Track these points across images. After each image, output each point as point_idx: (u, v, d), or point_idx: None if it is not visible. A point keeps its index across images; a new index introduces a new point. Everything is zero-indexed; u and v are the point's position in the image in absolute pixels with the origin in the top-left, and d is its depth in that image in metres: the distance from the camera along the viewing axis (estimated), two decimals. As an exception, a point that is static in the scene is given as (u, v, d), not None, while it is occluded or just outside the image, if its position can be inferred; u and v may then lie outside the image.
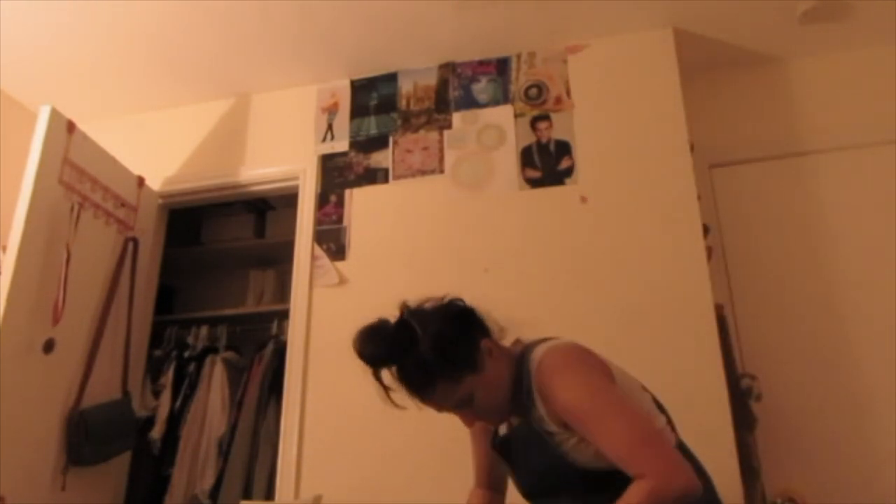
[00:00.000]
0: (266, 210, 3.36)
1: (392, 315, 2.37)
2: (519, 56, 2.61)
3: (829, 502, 2.14)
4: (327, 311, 2.44)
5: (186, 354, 2.90)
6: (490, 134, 2.53)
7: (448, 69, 2.67)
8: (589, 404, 1.19)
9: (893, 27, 2.49)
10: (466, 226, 2.42)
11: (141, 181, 2.63)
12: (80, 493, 2.18)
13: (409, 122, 2.63)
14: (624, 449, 1.14)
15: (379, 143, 2.63)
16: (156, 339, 2.86)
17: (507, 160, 2.46)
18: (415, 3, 2.34)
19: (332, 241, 2.53)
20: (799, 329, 2.35)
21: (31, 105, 2.82)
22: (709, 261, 2.22)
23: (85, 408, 2.19)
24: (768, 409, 2.22)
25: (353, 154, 2.65)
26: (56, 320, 2.10)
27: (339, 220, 2.56)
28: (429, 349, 1.24)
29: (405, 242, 2.45)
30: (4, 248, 2.07)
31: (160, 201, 2.80)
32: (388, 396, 1.29)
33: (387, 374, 1.30)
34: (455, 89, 2.63)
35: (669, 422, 1.37)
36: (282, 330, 2.76)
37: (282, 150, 2.74)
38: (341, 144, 2.68)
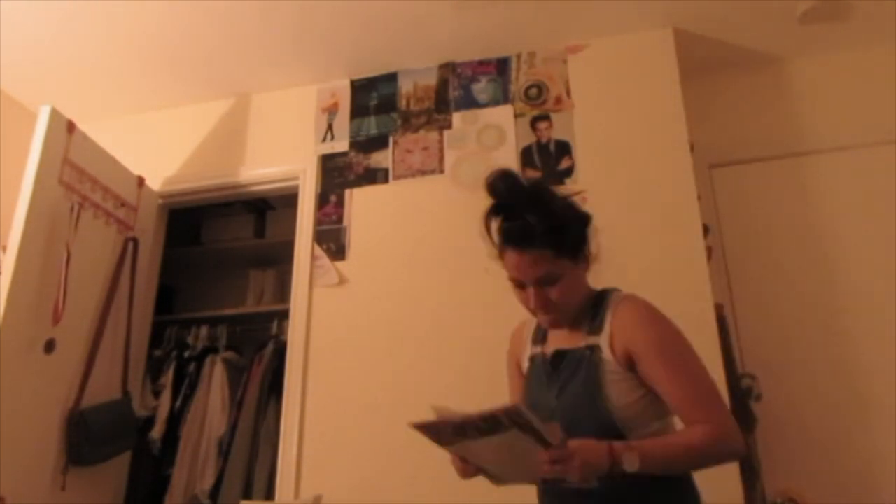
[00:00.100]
0: (266, 210, 3.36)
1: (391, 316, 2.37)
2: (519, 56, 2.61)
3: (829, 502, 2.14)
4: (327, 311, 2.44)
5: (186, 354, 2.90)
6: (490, 134, 2.53)
7: (448, 69, 2.67)
8: (671, 344, 1.24)
9: (893, 27, 2.49)
10: (466, 226, 2.42)
11: (141, 181, 2.63)
12: (80, 493, 2.18)
13: (409, 122, 2.63)
14: (694, 393, 1.18)
15: (379, 143, 2.63)
16: (156, 339, 2.86)
17: (507, 160, 2.46)
18: (415, 3, 2.34)
19: (332, 241, 2.53)
20: (799, 329, 2.35)
21: (31, 105, 2.82)
22: (709, 261, 2.22)
23: (85, 408, 2.19)
24: (768, 409, 2.22)
25: (353, 154, 2.65)
26: (56, 320, 2.10)
27: (339, 220, 2.56)
28: (556, 211, 1.28)
29: (405, 242, 2.45)
30: (4, 248, 2.07)
31: (160, 201, 2.80)
32: (491, 239, 1.33)
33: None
34: (455, 89, 2.63)
35: None
36: (282, 330, 2.76)
37: (282, 150, 2.74)
38: (341, 144, 2.68)
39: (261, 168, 2.73)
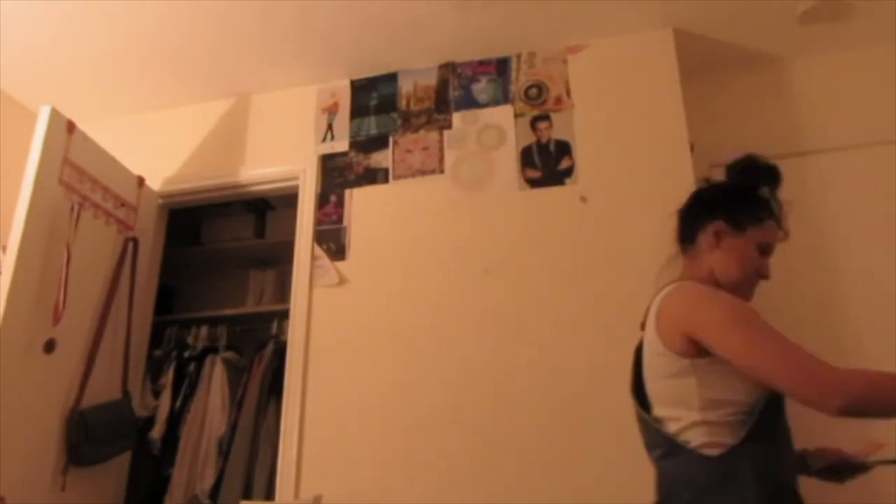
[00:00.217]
0: (266, 210, 3.36)
1: (391, 316, 2.37)
2: (519, 56, 2.61)
3: (829, 502, 2.13)
4: (327, 311, 2.44)
5: (186, 354, 2.90)
6: (490, 134, 2.53)
7: (448, 69, 2.67)
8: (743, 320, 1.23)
9: (893, 27, 2.49)
10: (466, 226, 2.42)
11: (141, 181, 2.63)
12: (80, 493, 2.18)
13: (409, 122, 2.63)
14: (787, 375, 1.18)
15: (379, 143, 2.63)
16: (156, 339, 2.86)
17: (507, 160, 2.46)
18: (415, 3, 2.34)
19: (332, 241, 2.53)
20: (799, 329, 2.33)
21: (31, 105, 2.82)
22: (709, 261, 2.21)
23: (85, 408, 2.19)
24: (768, 409, 2.21)
25: (353, 154, 2.65)
26: (56, 320, 2.10)
27: (339, 220, 2.56)
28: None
29: (405, 242, 2.45)
30: (4, 248, 2.07)
31: (160, 201, 2.80)
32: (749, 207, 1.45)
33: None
34: (455, 89, 2.63)
35: None
36: (282, 330, 2.76)
37: (282, 150, 2.74)
38: (341, 144, 2.68)
39: (261, 168, 2.73)
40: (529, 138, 2.48)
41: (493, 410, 2.17)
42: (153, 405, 2.73)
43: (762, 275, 1.42)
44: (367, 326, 2.37)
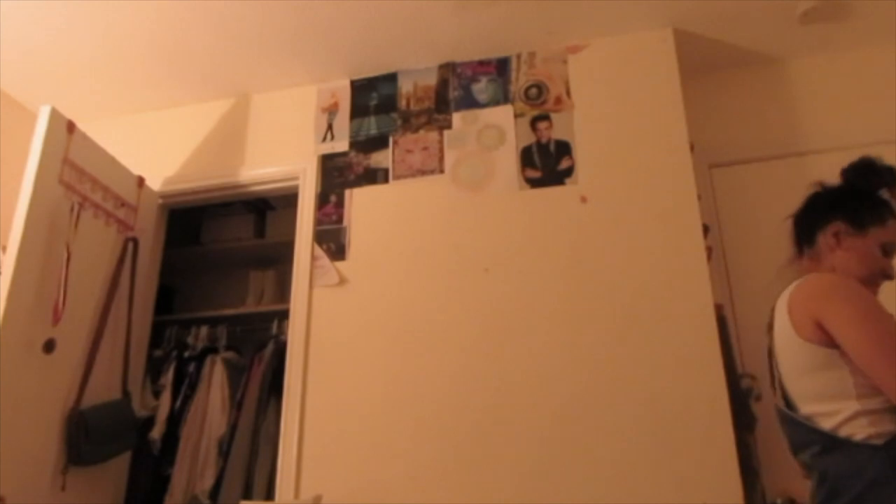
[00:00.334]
0: (266, 210, 3.36)
1: (391, 316, 2.38)
2: (519, 56, 2.61)
3: (829, 502, 2.13)
4: (327, 311, 2.44)
5: (186, 354, 2.90)
6: (490, 134, 2.53)
7: (448, 69, 2.67)
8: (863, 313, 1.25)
9: (893, 27, 2.49)
10: (466, 226, 2.42)
11: (141, 181, 2.63)
12: (80, 493, 2.18)
13: (409, 122, 2.63)
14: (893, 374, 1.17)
15: (379, 143, 2.63)
16: (156, 339, 2.86)
17: (507, 160, 2.46)
18: (415, 3, 2.34)
19: (332, 241, 2.53)
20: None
21: (31, 105, 2.82)
22: (709, 261, 2.22)
23: (85, 408, 2.19)
24: (768, 409, 2.21)
25: (353, 154, 2.65)
26: (56, 320, 2.10)
27: (339, 220, 2.56)
28: None
29: (405, 242, 2.45)
30: (4, 248, 2.07)
31: (160, 201, 2.80)
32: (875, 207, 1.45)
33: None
34: (455, 89, 2.63)
35: None
36: (282, 330, 2.76)
37: (282, 150, 2.74)
38: (341, 144, 2.68)
39: (261, 168, 2.73)
40: (529, 138, 2.48)
41: (493, 410, 2.17)
42: (153, 405, 2.73)
43: (888, 275, 1.42)
44: (367, 326, 2.37)
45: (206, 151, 2.83)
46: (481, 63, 2.65)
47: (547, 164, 2.43)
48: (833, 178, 2.50)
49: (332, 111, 2.74)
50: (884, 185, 1.46)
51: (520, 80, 2.58)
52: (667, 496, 1.95)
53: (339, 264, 2.49)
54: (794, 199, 2.52)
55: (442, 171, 2.52)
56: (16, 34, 2.45)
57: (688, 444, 1.99)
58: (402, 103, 2.67)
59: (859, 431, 1.24)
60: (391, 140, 2.62)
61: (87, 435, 2.15)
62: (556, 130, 2.46)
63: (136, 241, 2.52)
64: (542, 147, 2.46)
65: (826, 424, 1.29)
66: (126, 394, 2.41)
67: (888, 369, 1.18)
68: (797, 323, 1.32)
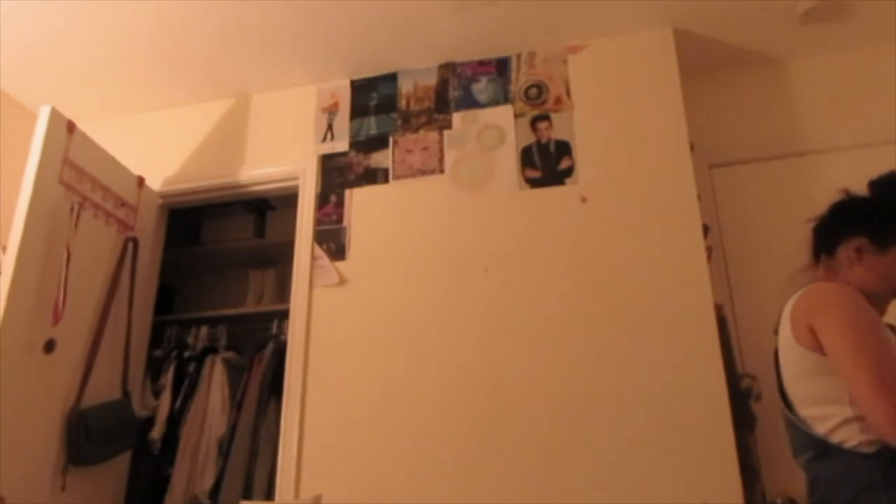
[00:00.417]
0: (266, 210, 3.36)
1: (391, 316, 2.38)
2: (519, 56, 2.61)
3: None
4: (327, 311, 2.44)
5: (186, 354, 2.90)
6: (490, 134, 2.53)
7: (448, 69, 2.67)
8: (848, 331, 1.23)
9: (893, 27, 2.49)
10: (466, 226, 2.42)
11: (141, 181, 2.63)
12: (80, 493, 2.18)
13: (409, 122, 2.63)
14: (863, 388, 1.17)
15: (379, 143, 2.63)
16: (156, 339, 2.86)
17: (507, 160, 2.46)
18: (415, 3, 2.34)
19: (332, 241, 2.53)
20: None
21: (31, 105, 2.82)
22: (709, 261, 2.22)
23: (85, 408, 2.19)
24: (768, 409, 2.21)
25: (353, 154, 2.65)
26: (56, 320, 2.10)
27: (339, 220, 2.56)
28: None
29: (405, 242, 2.45)
30: (4, 248, 2.07)
31: (160, 201, 2.80)
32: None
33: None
34: (455, 89, 2.63)
35: None
36: (282, 330, 2.76)
37: (282, 150, 2.74)
38: (341, 144, 2.68)
39: (261, 168, 2.73)
40: (529, 138, 2.48)
41: (493, 410, 2.17)
42: (153, 405, 2.73)
43: None
44: (367, 326, 2.37)
45: (205, 151, 2.83)
46: (481, 63, 2.65)
47: (547, 164, 2.43)
48: (833, 178, 2.51)
49: (332, 111, 2.74)
50: None
51: (520, 80, 2.58)
52: (667, 496, 1.95)
53: (339, 264, 2.49)
54: (794, 199, 2.53)
55: (442, 171, 2.52)
56: (16, 34, 2.45)
57: (688, 444, 1.99)
58: (402, 103, 2.67)
59: (851, 437, 1.25)
60: (391, 140, 2.62)
61: (87, 435, 2.15)
62: (556, 130, 2.46)
63: (136, 241, 2.53)
64: (542, 147, 2.46)
65: (820, 428, 1.30)
66: (126, 394, 2.42)
67: (862, 383, 1.18)
68: (796, 328, 1.33)
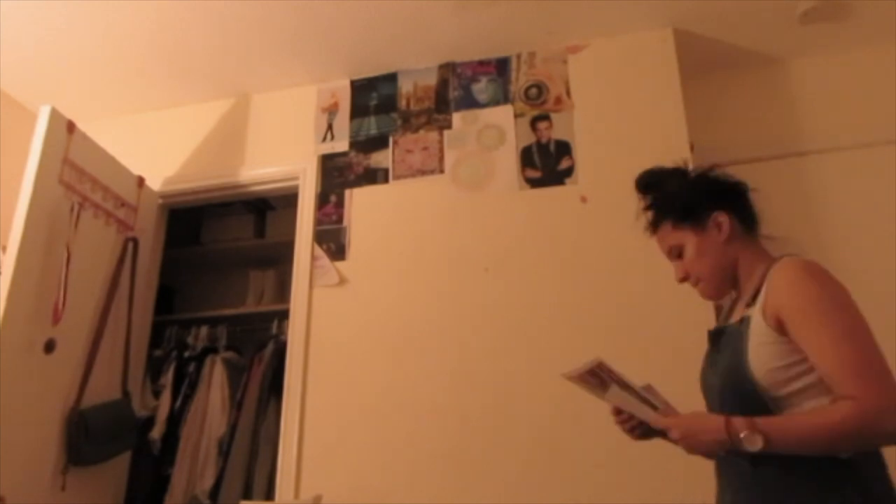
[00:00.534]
0: (266, 210, 3.36)
1: (391, 316, 2.36)
2: (519, 56, 2.61)
3: None
4: (327, 311, 2.44)
5: (186, 354, 2.90)
6: (490, 134, 2.53)
7: (448, 69, 2.67)
8: (821, 306, 1.14)
9: (893, 27, 2.49)
10: (466, 226, 2.42)
11: (141, 181, 2.63)
12: (80, 493, 2.18)
13: (409, 122, 2.63)
14: (841, 361, 1.07)
15: (379, 143, 2.63)
16: (156, 339, 2.86)
17: (507, 160, 2.46)
18: (415, 3, 2.34)
19: (332, 241, 2.53)
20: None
21: (31, 105, 2.82)
22: (709, 261, 2.22)
23: (85, 408, 2.19)
24: (768, 409, 2.22)
25: (353, 154, 2.65)
26: (56, 320, 2.10)
27: (339, 220, 2.56)
28: (671, 185, 1.38)
29: (405, 242, 2.45)
30: (4, 248, 2.07)
31: (160, 201, 2.80)
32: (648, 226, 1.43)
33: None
34: (455, 89, 2.63)
35: None
36: (282, 330, 2.76)
37: (282, 150, 2.74)
38: (341, 144, 2.68)
39: (261, 168, 2.73)
40: (529, 138, 2.48)
41: (493, 409, 2.17)
42: (153, 405, 2.73)
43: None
44: (367, 326, 2.37)
45: (206, 151, 2.83)
46: (481, 63, 2.65)
47: (547, 164, 2.43)
48: (833, 178, 2.51)
49: (332, 111, 2.74)
50: None
51: (520, 80, 2.58)
52: (667, 496, 1.95)
53: (339, 264, 2.49)
54: (794, 199, 2.53)
55: (442, 171, 2.52)
56: (16, 34, 2.45)
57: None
58: (402, 103, 2.67)
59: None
60: (391, 140, 2.62)
61: (87, 435, 2.15)
62: (556, 130, 2.46)
63: (136, 241, 2.52)
64: (542, 147, 2.46)
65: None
66: (126, 394, 2.41)
67: (837, 359, 1.11)
68: (767, 316, 1.30)
